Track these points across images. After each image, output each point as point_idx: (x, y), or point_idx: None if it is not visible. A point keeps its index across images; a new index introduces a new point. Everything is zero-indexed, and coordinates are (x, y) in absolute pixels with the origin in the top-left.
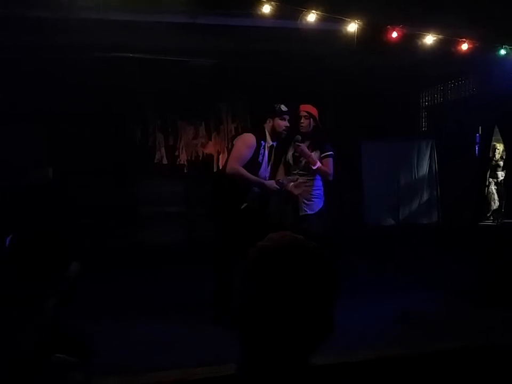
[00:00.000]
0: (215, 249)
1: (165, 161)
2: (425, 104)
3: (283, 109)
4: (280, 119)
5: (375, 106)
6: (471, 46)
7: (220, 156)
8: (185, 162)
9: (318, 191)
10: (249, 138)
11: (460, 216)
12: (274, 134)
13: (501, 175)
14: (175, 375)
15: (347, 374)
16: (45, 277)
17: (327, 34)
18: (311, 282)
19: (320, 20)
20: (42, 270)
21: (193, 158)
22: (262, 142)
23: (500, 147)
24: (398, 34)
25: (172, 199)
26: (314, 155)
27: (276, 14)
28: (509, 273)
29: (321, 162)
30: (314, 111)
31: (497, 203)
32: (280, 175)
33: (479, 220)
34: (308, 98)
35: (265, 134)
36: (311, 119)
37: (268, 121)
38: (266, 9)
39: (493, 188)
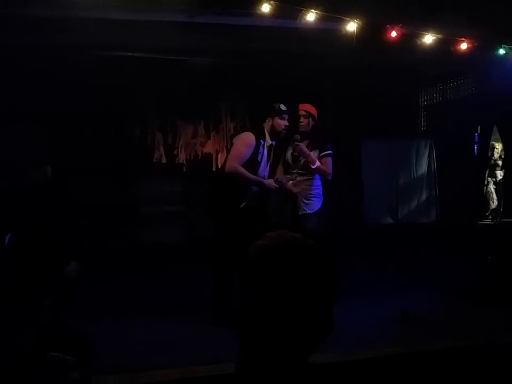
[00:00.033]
0: (214, 249)
1: (163, 160)
2: (424, 103)
3: (282, 108)
4: (280, 118)
5: (374, 106)
6: (470, 45)
7: (219, 155)
8: (184, 162)
9: (317, 191)
10: (248, 137)
11: (459, 216)
12: (274, 133)
13: (499, 174)
14: (175, 374)
15: (347, 374)
16: (45, 277)
17: (326, 33)
18: (309, 281)
19: (319, 19)
20: (42, 270)
21: (192, 157)
22: (261, 141)
23: (498, 146)
24: (397, 33)
25: (171, 198)
26: (313, 154)
27: (275, 13)
28: (509, 273)
29: (320, 162)
30: (313, 110)
31: (496, 202)
32: (279, 174)
33: (478, 219)
34: (306, 97)
35: (265, 133)
36: (310, 118)
37: (267, 120)
38: (266, 8)
39: (491, 187)
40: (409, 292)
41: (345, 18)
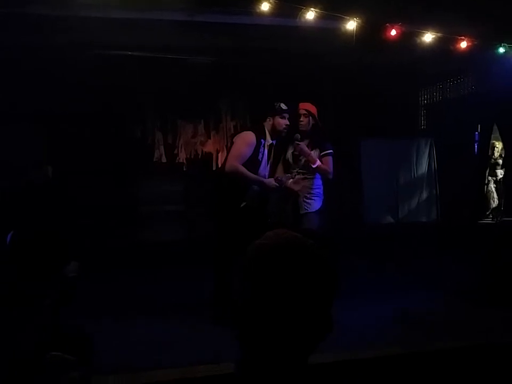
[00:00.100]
0: (214, 248)
1: (164, 159)
2: (424, 102)
3: (283, 108)
4: (280, 118)
5: (374, 105)
6: (470, 44)
7: (219, 154)
8: (184, 161)
9: (317, 190)
10: (249, 136)
11: (459, 215)
12: (274, 132)
13: (500, 173)
14: (175, 374)
15: (347, 374)
16: (45, 277)
17: (326, 32)
18: (309, 280)
19: (319, 17)
20: (42, 270)
21: (192, 157)
22: (261, 140)
23: (498, 145)
24: (396, 32)
25: (171, 198)
26: (314, 153)
27: (275, 12)
28: (509, 273)
29: (320, 161)
30: (313, 109)
31: (496, 201)
32: (280, 173)
33: (479, 218)
34: (306, 96)
35: (265, 132)
36: (310, 117)
37: (268, 119)
38: (265, 7)
39: (492, 186)
40: (409, 292)
41: (345, 17)
